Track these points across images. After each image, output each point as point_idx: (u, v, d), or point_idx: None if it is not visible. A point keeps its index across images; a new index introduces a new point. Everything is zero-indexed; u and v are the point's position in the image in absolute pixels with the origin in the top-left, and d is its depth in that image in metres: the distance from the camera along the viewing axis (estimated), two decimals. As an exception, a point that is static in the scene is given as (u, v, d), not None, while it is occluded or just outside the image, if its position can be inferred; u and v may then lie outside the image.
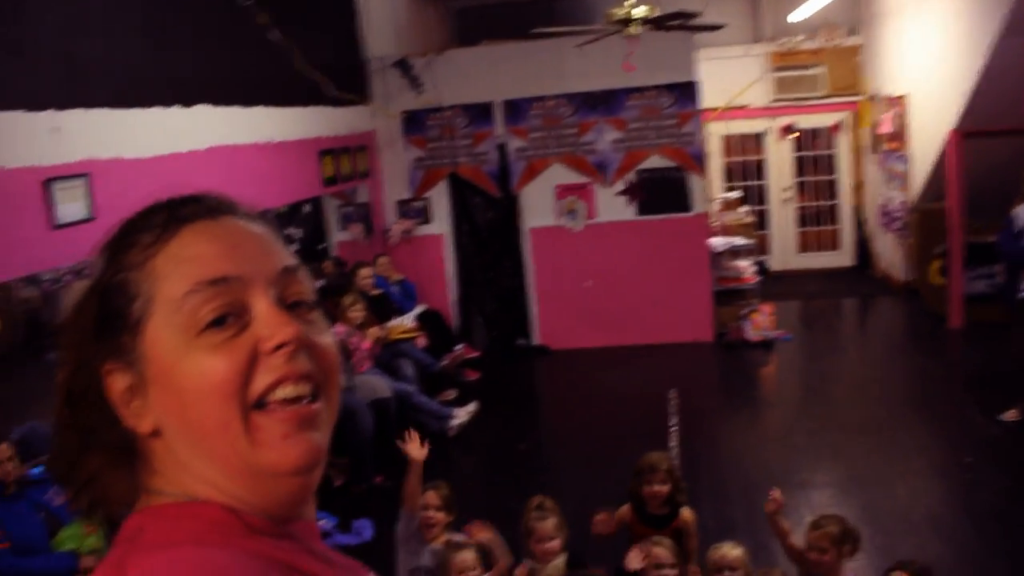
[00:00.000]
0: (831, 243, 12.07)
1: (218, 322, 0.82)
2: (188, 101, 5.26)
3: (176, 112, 5.14)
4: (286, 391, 0.81)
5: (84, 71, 4.33)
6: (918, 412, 6.92)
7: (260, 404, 0.81)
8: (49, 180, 4.01)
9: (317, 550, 0.88)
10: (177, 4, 5.24)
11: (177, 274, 0.83)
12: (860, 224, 11.71)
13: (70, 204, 4.14)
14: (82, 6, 4.36)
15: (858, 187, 11.69)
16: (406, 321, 7.92)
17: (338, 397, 0.89)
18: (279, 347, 0.81)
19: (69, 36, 4.24)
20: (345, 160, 7.97)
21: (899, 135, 9.74)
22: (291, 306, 0.86)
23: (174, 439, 0.83)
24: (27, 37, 3.93)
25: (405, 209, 9.14)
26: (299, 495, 0.85)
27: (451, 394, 7.84)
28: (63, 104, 4.14)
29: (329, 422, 0.86)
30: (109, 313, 0.85)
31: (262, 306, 0.83)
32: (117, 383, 0.84)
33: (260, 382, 0.81)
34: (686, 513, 4.09)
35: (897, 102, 9.74)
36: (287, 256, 0.90)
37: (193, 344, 0.81)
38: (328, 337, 0.89)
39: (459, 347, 8.38)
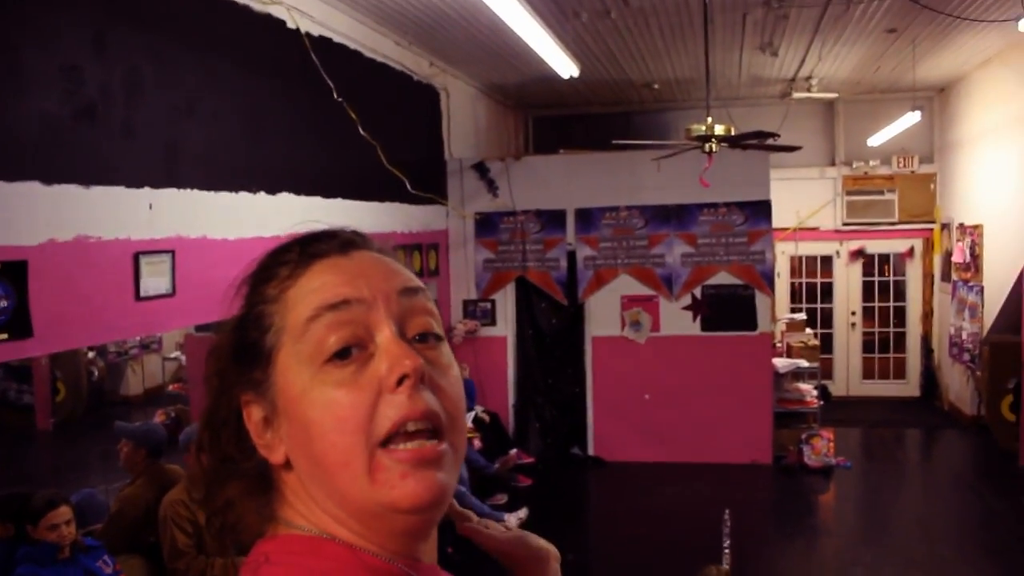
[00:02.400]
0: (896, 371, 11.85)
1: (342, 354, 0.83)
2: (273, 189, 5.45)
3: (261, 198, 5.32)
4: (408, 427, 0.81)
5: (181, 154, 4.53)
6: (985, 553, 6.65)
7: (385, 443, 0.81)
8: (138, 253, 4.16)
9: None
10: (272, 97, 5.48)
11: (303, 303, 0.85)
12: (928, 354, 11.50)
13: (155, 278, 4.28)
14: (189, 95, 4.59)
15: (927, 316, 11.52)
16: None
17: (464, 437, 0.89)
18: (400, 381, 0.81)
19: (173, 122, 4.46)
20: (417, 256, 8.13)
21: (972, 265, 9.64)
22: (418, 339, 0.86)
23: (302, 471, 0.85)
24: (137, 120, 4.15)
25: (471, 309, 9.22)
26: (418, 532, 0.86)
27: (502, 498, 7.76)
28: (158, 183, 4.33)
29: (455, 462, 0.85)
30: (246, 344, 0.88)
31: (384, 336, 0.84)
32: (254, 414, 0.87)
33: (384, 420, 0.81)
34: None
35: (971, 231, 9.67)
36: (409, 278, 0.91)
37: (318, 377, 0.82)
38: (454, 372, 0.88)
39: (513, 451, 8.32)
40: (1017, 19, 5.74)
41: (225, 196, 4.95)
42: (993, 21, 7.09)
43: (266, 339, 0.87)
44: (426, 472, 0.82)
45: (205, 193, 4.75)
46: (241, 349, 0.88)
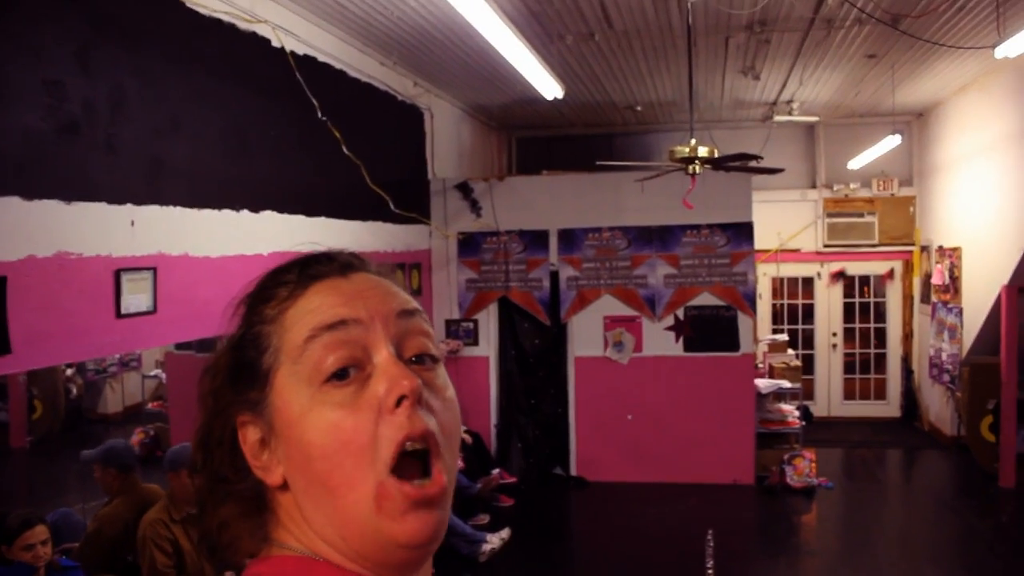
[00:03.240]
0: (877, 392, 11.91)
1: (340, 374, 0.83)
2: (256, 207, 5.44)
3: (244, 216, 5.30)
4: (406, 446, 0.82)
5: (164, 171, 4.51)
6: (965, 573, 6.67)
7: (394, 469, 0.81)
8: (120, 270, 4.13)
9: None
10: (256, 115, 5.48)
11: (301, 324, 0.85)
12: (908, 375, 11.56)
13: (136, 295, 4.25)
14: (173, 112, 4.58)
15: (907, 337, 11.60)
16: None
17: (457, 457, 0.89)
18: (398, 402, 0.82)
19: (157, 139, 4.44)
20: (399, 276, 8.10)
21: (951, 287, 9.72)
22: (415, 360, 0.87)
23: (299, 493, 0.84)
24: (120, 136, 4.13)
25: (453, 329, 9.22)
26: (415, 563, 0.85)
27: (484, 519, 7.73)
28: (141, 200, 4.31)
29: (451, 489, 0.86)
30: (243, 364, 0.88)
31: (382, 357, 0.84)
32: (250, 435, 0.87)
33: (386, 442, 0.81)
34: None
35: (950, 253, 9.76)
36: (407, 300, 0.92)
37: (317, 398, 0.82)
38: (450, 393, 0.89)
39: (496, 471, 8.30)
40: (993, 46, 5.81)
41: (208, 213, 4.93)
42: (970, 48, 7.19)
43: (263, 359, 0.87)
44: (427, 512, 0.82)
45: (188, 210, 4.73)
46: (238, 369, 0.88)
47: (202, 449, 0.89)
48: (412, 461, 0.83)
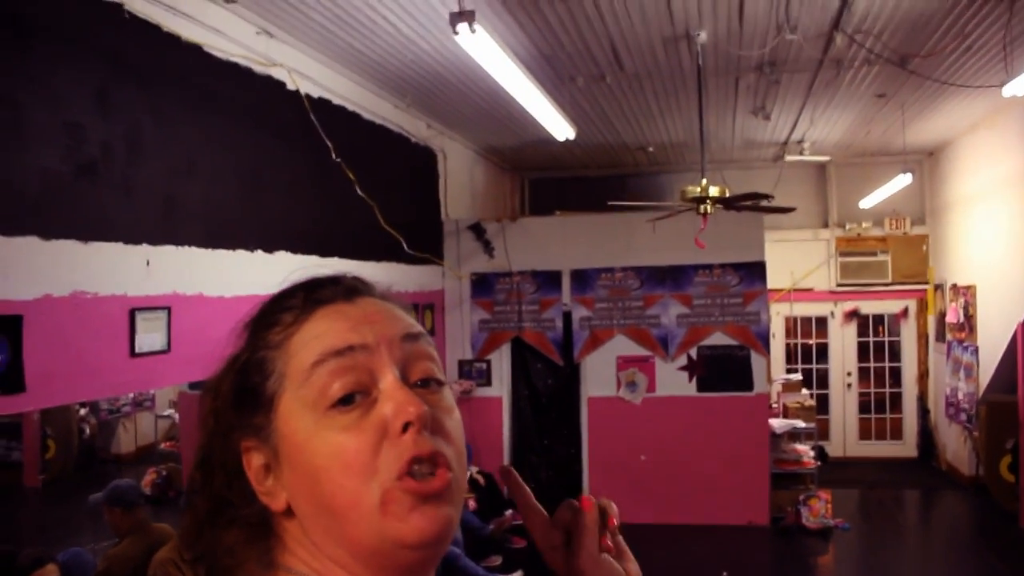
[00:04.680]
0: (893, 432, 11.80)
1: (346, 400, 0.83)
2: (270, 247, 5.48)
3: (259, 256, 5.34)
4: (414, 468, 0.81)
5: (180, 211, 4.56)
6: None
7: (392, 482, 0.81)
8: (134, 310, 4.17)
9: None
10: (271, 156, 5.54)
11: (307, 349, 0.85)
12: (924, 414, 11.47)
13: (150, 334, 4.28)
14: (188, 153, 4.64)
15: (922, 376, 11.52)
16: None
17: (465, 477, 0.89)
18: (405, 428, 0.81)
19: (172, 179, 4.50)
20: (413, 316, 8.12)
21: (966, 325, 9.67)
22: (420, 384, 0.87)
23: (305, 517, 0.84)
24: (136, 177, 4.19)
25: (466, 369, 9.21)
26: (421, 569, 0.85)
27: (497, 560, 7.67)
28: (156, 240, 4.36)
29: (459, 498, 0.86)
30: (247, 389, 0.87)
31: (388, 382, 0.84)
32: (254, 460, 0.86)
33: (393, 461, 0.81)
34: None
35: (964, 292, 9.72)
36: (412, 324, 0.91)
37: (322, 423, 0.82)
38: (455, 415, 0.89)
39: (508, 512, 8.24)
40: (1001, 85, 5.84)
41: (222, 253, 4.98)
42: (979, 87, 7.22)
43: (268, 385, 0.86)
44: (433, 508, 0.82)
45: (202, 250, 4.78)
46: (242, 394, 0.88)
47: (201, 470, 0.89)
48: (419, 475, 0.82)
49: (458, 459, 0.86)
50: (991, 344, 9.01)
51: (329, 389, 0.83)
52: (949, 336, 10.34)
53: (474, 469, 8.53)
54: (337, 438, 0.82)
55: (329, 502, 0.82)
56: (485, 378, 9.22)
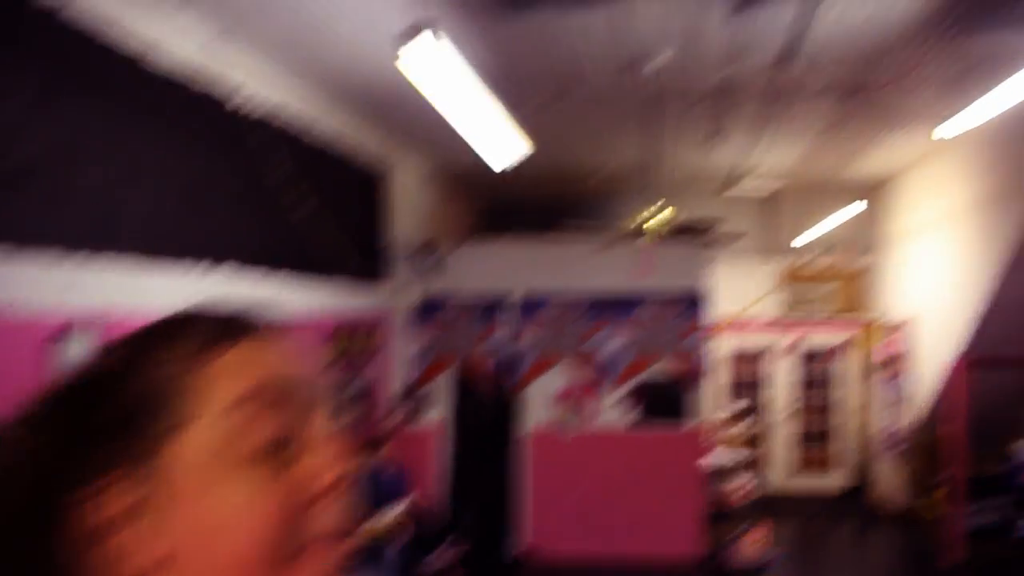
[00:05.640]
0: (832, 463, 11.91)
1: (263, 448, 0.72)
2: (212, 263, 5.35)
3: (199, 272, 5.21)
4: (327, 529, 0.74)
5: (119, 222, 4.43)
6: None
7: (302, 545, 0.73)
8: (63, 326, 4.02)
9: None
10: (213, 171, 5.42)
11: (221, 386, 0.73)
12: (863, 446, 11.59)
13: (83, 352, 4.13)
14: (128, 165, 4.51)
15: (863, 408, 11.65)
16: (391, 514, 7.68)
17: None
18: (328, 487, 0.74)
19: (109, 191, 4.36)
20: (355, 339, 8.00)
21: (904, 358, 9.81)
22: (330, 436, 0.78)
23: (188, 573, 0.70)
24: (71, 187, 4.05)
25: (407, 396, 9.06)
26: None
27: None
28: (91, 253, 4.21)
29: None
30: (127, 414, 0.72)
31: (314, 433, 0.76)
32: (110, 503, 0.70)
33: (309, 525, 0.73)
34: None
35: (903, 325, 9.87)
36: (320, 369, 0.85)
37: (233, 473, 0.71)
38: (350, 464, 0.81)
39: (445, 545, 8.08)
40: (934, 127, 5.99)
41: (164, 268, 4.84)
42: (917, 125, 7.38)
43: (160, 417, 0.71)
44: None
45: (142, 264, 4.63)
46: (114, 420, 0.71)
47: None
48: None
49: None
50: (927, 378, 9.14)
51: (249, 432, 0.73)
52: (887, 370, 10.48)
53: (409, 501, 8.36)
54: (247, 492, 0.72)
55: (220, 559, 0.71)
56: (425, 405, 9.07)
